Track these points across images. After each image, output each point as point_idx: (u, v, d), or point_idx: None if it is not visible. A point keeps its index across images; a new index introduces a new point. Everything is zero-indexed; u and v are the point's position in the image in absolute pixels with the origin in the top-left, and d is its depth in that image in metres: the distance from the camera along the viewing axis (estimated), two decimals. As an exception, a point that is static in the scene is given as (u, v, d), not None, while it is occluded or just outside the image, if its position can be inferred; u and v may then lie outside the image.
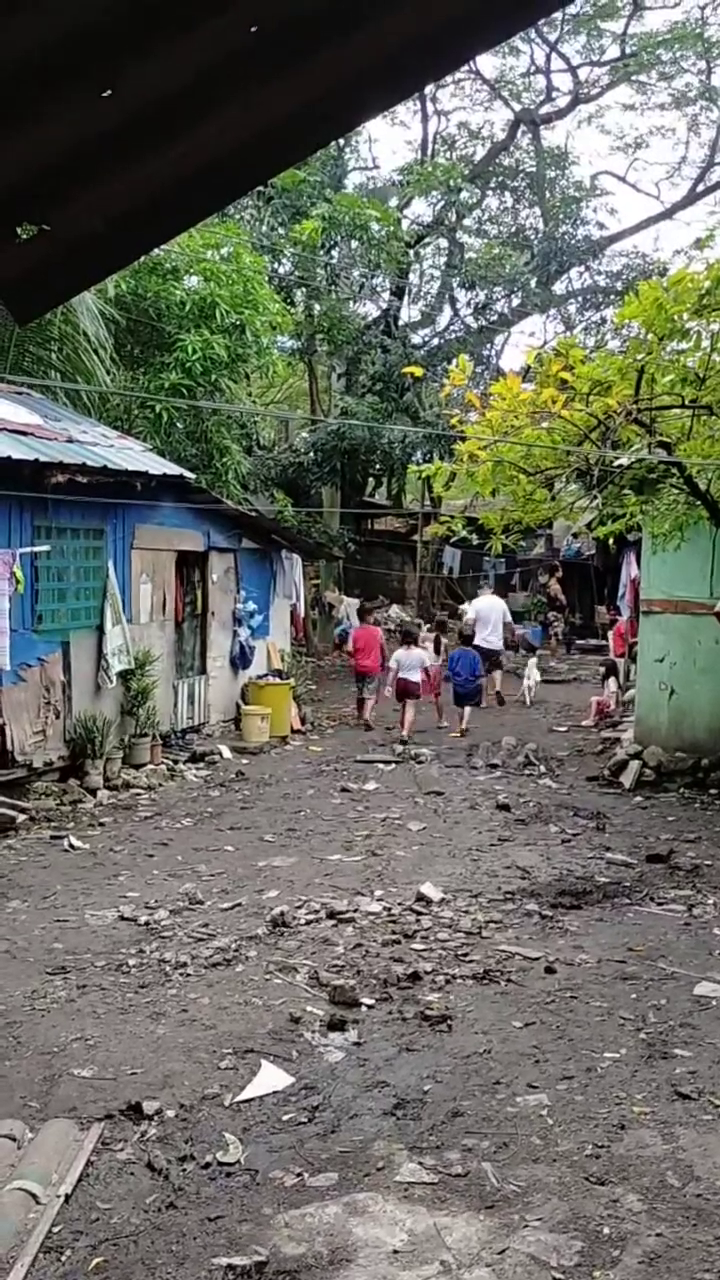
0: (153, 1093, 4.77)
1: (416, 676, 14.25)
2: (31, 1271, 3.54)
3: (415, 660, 14.32)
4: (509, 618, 16.96)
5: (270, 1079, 4.93)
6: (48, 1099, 4.75)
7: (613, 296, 26.60)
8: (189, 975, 6.15)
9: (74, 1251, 3.69)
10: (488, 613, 16.98)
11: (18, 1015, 5.62)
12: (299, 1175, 4.16)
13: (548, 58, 29.34)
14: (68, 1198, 3.95)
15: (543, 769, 12.25)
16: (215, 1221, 3.87)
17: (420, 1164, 4.22)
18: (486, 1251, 3.67)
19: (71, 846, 8.95)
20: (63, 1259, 3.64)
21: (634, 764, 11.56)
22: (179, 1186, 4.09)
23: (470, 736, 14.24)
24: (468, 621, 16.73)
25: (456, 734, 14.35)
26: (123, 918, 7.19)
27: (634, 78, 29.10)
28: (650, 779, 11.36)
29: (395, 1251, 3.67)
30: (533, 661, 17.96)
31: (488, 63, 29.58)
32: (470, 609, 16.99)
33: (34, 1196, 3.90)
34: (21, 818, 9.39)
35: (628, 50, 28.42)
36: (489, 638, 16.91)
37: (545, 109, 29.88)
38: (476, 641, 16.15)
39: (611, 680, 15.82)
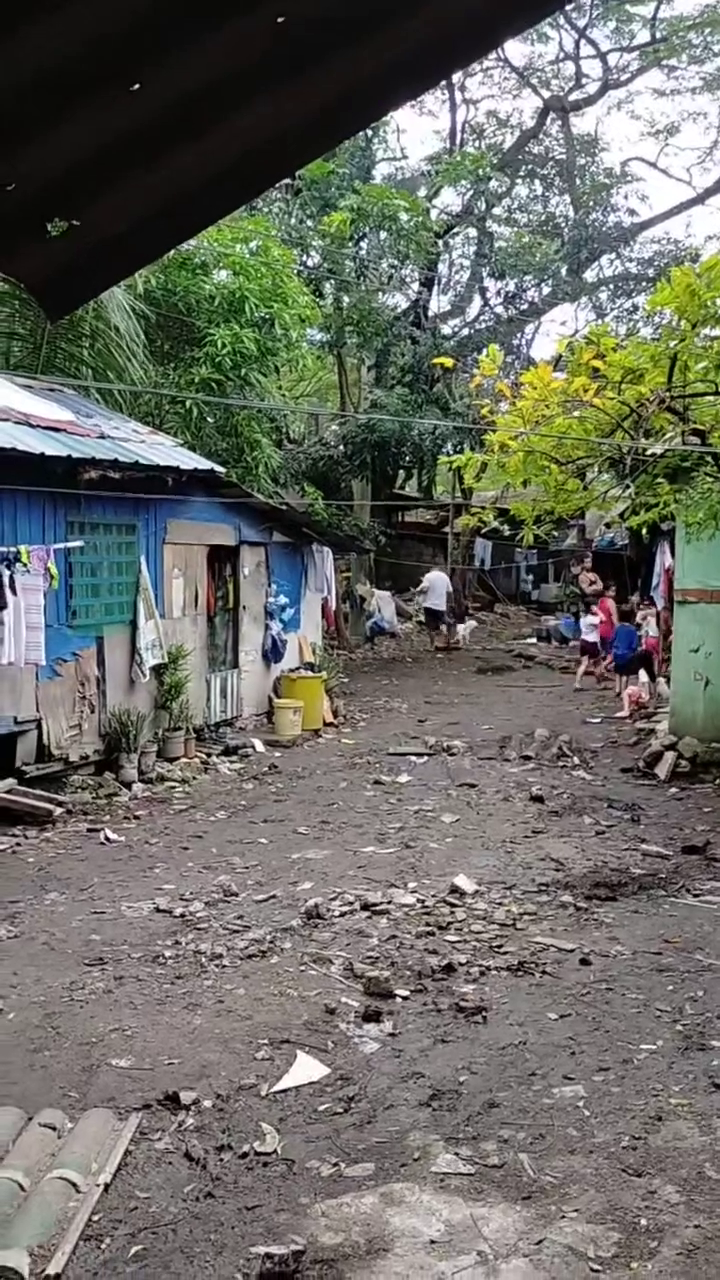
0: (190, 1083, 4.81)
1: (593, 637, 17.82)
2: (73, 1259, 3.58)
3: (589, 624, 18.10)
4: (450, 587, 23.12)
5: (306, 1070, 4.95)
6: (87, 1089, 4.80)
7: (644, 283, 26.33)
8: (224, 967, 6.19)
9: (114, 1239, 3.73)
10: (437, 583, 22.54)
11: (57, 1006, 5.68)
12: (335, 1165, 4.18)
13: (576, 44, 29.11)
14: (107, 1187, 3.99)
15: (576, 761, 12.19)
16: (253, 1210, 3.90)
17: (456, 1155, 4.23)
18: (524, 1242, 3.67)
19: (107, 839, 9.03)
20: (103, 1247, 3.68)
21: (669, 755, 11.48)
22: (216, 1176, 4.12)
23: (505, 728, 14.26)
24: (422, 590, 22.71)
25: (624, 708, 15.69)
26: (158, 910, 7.24)
27: (664, 62, 28.75)
28: (685, 770, 11.28)
29: (432, 1242, 3.68)
30: (469, 624, 24.03)
31: (516, 50, 29.39)
32: (425, 580, 22.77)
33: (74, 1185, 3.95)
34: (58, 811, 9.47)
35: (657, 35, 28.08)
36: (435, 602, 22.86)
37: (574, 96, 29.63)
38: (426, 604, 22.86)
39: (643, 672, 15.74)
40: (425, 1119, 4.53)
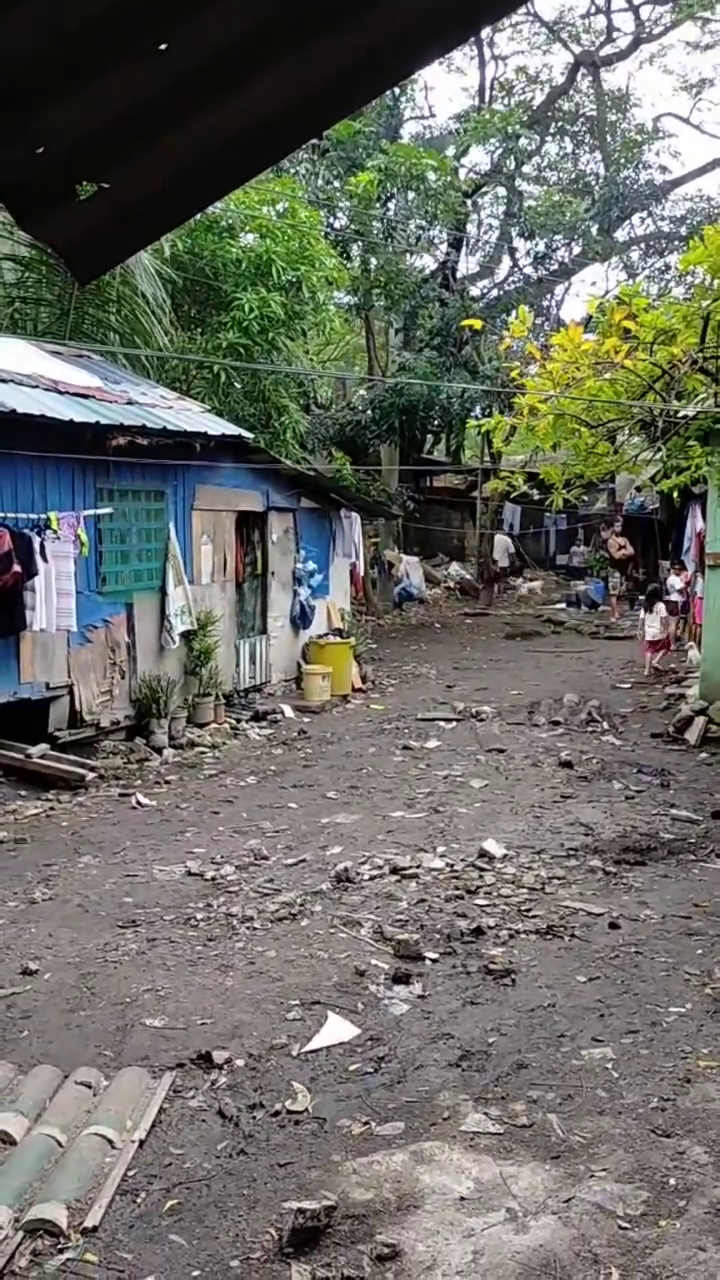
0: (222, 1042, 4.87)
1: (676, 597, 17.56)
2: (109, 1212, 3.66)
3: (674, 586, 17.84)
4: (511, 548, 26.46)
5: (336, 1030, 5.01)
6: (121, 1048, 4.88)
7: (676, 242, 25.88)
8: (255, 929, 6.26)
9: (149, 1194, 3.80)
10: (498, 545, 25.70)
11: (91, 967, 5.77)
12: (366, 1124, 4.23)
13: (608, -4, 28.42)
14: (142, 1143, 4.07)
15: (605, 726, 12.16)
16: (285, 1167, 3.96)
17: (486, 1114, 4.27)
18: (553, 1200, 3.72)
19: (139, 804, 9.12)
20: (138, 1201, 3.76)
21: (699, 720, 11.42)
22: (249, 1133, 4.19)
23: (534, 694, 14.25)
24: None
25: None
26: (190, 873, 7.32)
27: (697, 15, 28.04)
28: (716, 735, 11.23)
29: (462, 1199, 3.73)
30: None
31: (547, 4, 29.07)
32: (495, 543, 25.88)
33: (110, 1141, 4.02)
34: (91, 776, 9.58)
35: (692, -15, 27.37)
36: (500, 560, 25.97)
37: (606, 50, 28.96)
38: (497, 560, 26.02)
39: (660, 606, 15.35)
40: (455, 1079, 4.57)
